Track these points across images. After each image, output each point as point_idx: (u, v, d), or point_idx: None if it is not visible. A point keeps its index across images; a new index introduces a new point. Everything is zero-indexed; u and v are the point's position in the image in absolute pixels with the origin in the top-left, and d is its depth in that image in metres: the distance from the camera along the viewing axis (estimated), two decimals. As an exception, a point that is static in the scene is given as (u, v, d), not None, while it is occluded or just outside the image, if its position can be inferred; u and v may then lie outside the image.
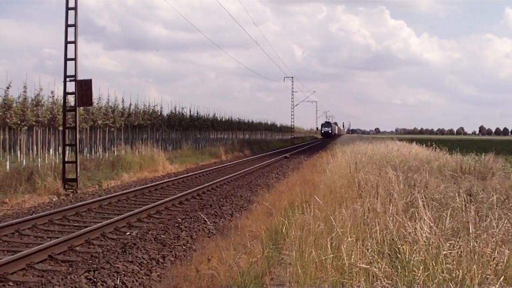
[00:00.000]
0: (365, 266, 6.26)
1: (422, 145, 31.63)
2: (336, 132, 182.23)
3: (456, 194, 10.04)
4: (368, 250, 6.64)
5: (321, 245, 7.31)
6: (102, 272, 9.52)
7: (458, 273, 5.90)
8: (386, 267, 6.11)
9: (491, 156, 21.64)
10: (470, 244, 6.42)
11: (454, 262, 6.10)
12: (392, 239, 6.99)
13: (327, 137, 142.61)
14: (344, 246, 6.66)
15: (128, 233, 13.28)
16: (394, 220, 7.58)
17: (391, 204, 8.59)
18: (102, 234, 12.85)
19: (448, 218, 7.17)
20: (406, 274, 6.02)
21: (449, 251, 6.23)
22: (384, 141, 37.32)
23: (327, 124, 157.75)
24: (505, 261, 6.13)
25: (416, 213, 8.10)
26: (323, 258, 6.72)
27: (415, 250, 6.37)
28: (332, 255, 6.69)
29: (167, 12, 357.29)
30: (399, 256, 6.52)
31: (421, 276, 5.77)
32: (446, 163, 19.38)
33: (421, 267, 5.97)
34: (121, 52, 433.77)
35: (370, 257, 6.47)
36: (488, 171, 17.19)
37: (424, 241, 6.46)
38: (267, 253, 8.90)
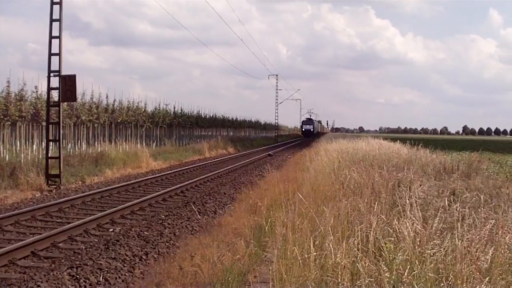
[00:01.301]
0: (348, 264, 6.29)
1: (405, 144, 31.74)
2: (319, 130, 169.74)
3: (440, 193, 10.12)
4: (352, 248, 6.66)
5: (305, 243, 7.32)
6: (85, 269, 9.49)
7: (443, 272, 5.94)
8: (371, 265, 6.14)
9: (476, 155, 21.80)
10: (455, 243, 6.46)
11: (439, 261, 6.14)
12: (376, 238, 7.01)
13: (308, 136, 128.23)
14: (328, 244, 6.68)
15: (111, 229, 13.25)
16: (379, 218, 7.61)
17: (376, 203, 8.62)
18: (85, 231, 12.81)
19: (435, 218, 7.20)
20: (391, 272, 6.04)
21: (433, 251, 6.27)
22: (367, 140, 37.46)
23: (308, 121, 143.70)
24: (489, 260, 6.17)
25: (400, 212, 8.15)
26: (306, 256, 6.74)
27: (399, 248, 6.40)
28: (315, 253, 6.71)
29: (153, 10, 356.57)
30: (383, 254, 6.54)
31: (406, 275, 5.80)
32: (429, 162, 19.46)
33: (406, 266, 6.00)
34: (106, 48, 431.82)
35: (354, 255, 6.50)
36: (472, 171, 17.29)
37: (411, 240, 6.49)
38: (251, 251, 8.91)
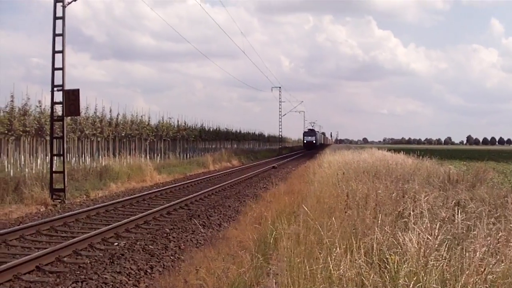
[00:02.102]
0: (354, 276, 6.27)
1: (410, 154, 31.74)
2: (323, 141, 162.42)
3: (445, 204, 10.09)
4: (357, 260, 6.64)
5: (310, 255, 7.30)
6: (90, 283, 9.49)
7: (448, 283, 5.92)
8: (376, 277, 6.12)
9: (481, 165, 21.81)
10: (460, 254, 6.45)
11: (444, 272, 6.12)
12: (381, 250, 6.99)
13: (310, 148, 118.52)
14: (333, 257, 6.66)
15: (116, 243, 13.24)
16: (384, 230, 7.59)
17: (381, 214, 8.61)
18: (90, 245, 12.80)
19: (440, 229, 7.18)
20: (396, 285, 6.02)
21: (438, 262, 6.24)
22: (372, 151, 37.46)
23: (310, 132, 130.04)
24: (496, 271, 6.14)
25: (405, 224, 8.13)
26: (313, 268, 6.72)
27: (404, 260, 6.38)
28: (321, 266, 6.69)
29: (155, 22, 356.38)
30: (388, 266, 6.52)
31: (411, 286, 5.77)
32: (434, 172, 19.44)
33: (411, 277, 5.98)
34: (108, 62, 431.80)
35: (359, 268, 6.47)
36: (476, 181, 17.25)
37: (415, 252, 6.47)
38: (256, 264, 8.89)
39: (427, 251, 6.50)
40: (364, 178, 15.60)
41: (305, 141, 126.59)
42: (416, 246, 6.57)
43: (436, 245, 6.71)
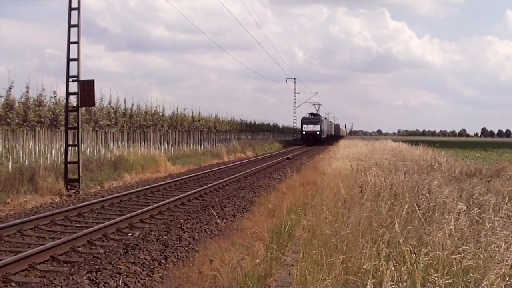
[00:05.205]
0: (370, 267, 6.22)
1: (428, 147, 31.55)
2: (333, 132, 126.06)
3: (461, 196, 10.01)
4: (374, 252, 6.59)
5: (327, 246, 7.25)
6: (104, 273, 9.47)
7: (464, 275, 5.87)
8: (393, 269, 6.06)
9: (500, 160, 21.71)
10: (478, 246, 6.39)
11: (460, 264, 6.07)
12: (399, 242, 6.93)
13: (312, 142, 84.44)
14: (350, 248, 6.62)
15: (130, 234, 13.24)
16: (401, 223, 7.53)
17: (396, 207, 8.55)
18: (104, 235, 12.81)
19: (456, 222, 7.12)
20: (416, 275, 5.96)
21: (455, 256, 6.19)
22: (387, 143, 37.32)
23: (313, 119, 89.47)
24: (510, 264, 6.08)
25: (423, 216, 8.06)
26: (330, 260, 6.67)
27: (424, 253, 6.32)
28: (336, 257, 6.64)
29: (169, 14, 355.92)
30: (405, 258, 6.47)
31: (428, 278, 5.72)
32: (450, 165, 19.33)
33: (429, 270, 5.93)
34: (123, 53, 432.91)
35: (376, 259, 6.42)
36: (492, 174, 17.14)
37: (435, 244, 6.42)
38: (270, 255, 8.85)
39: (446, 244, 6.45)
40: (379, 170, 15.52)
41: (303, 132, 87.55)
42: (434, 239, 6.52)
43: (454, 238, 6.66)
